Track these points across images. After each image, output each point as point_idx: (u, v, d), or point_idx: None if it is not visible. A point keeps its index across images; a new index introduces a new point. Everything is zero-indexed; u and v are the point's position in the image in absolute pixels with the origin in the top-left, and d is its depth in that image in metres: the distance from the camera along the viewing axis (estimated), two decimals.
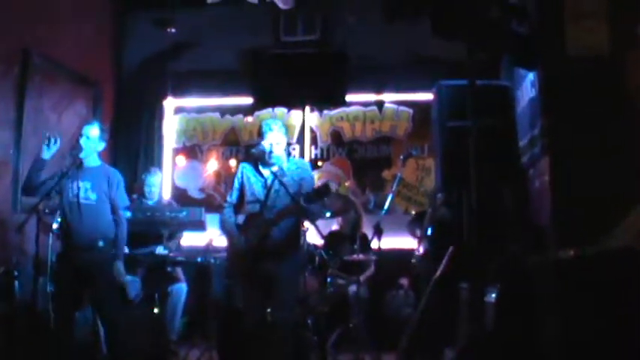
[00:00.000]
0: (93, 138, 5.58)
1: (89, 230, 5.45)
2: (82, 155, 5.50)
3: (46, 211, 5.45)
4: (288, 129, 5.33)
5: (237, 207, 5.32)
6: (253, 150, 5.23)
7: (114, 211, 5.60)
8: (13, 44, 6.71)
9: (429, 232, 6.25)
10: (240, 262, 5.09)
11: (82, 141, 5.54)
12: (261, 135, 5.21)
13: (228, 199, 5.37)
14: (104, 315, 5.52)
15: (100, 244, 5.46)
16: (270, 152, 5.12)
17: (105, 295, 5.50)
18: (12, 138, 6.72)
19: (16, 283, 5.93)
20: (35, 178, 5.42)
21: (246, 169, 5.32)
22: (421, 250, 6.43)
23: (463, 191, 4.99)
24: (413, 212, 8.32)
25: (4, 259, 6.23)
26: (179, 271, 6.98)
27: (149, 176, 7.20)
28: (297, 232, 5.42)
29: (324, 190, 4.98)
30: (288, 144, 8.54)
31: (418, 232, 6.75)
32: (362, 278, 6.51)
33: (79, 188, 5.45)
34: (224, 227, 5.31)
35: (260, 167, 5.23)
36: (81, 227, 5.43)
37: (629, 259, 3.33)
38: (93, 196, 5.51)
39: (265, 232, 5.04)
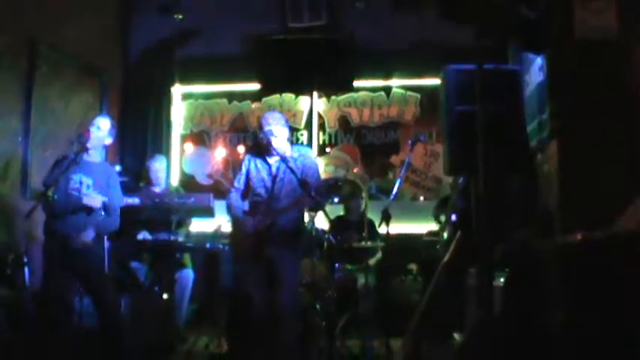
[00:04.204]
0: (103, 129, 5.57)
1: (79, 223, 5.41)
2: (88, 144, 5.49)
3: (55, 197, 5.45)
4: (293, 117, 5.26)
5: (244, 193, 5.37)
6: (261, 136, 5.24)
7: (107, 207, 5.58)
8: (19, 34, 6.72)
9: (452, 218, 6.24)
10: (245, 245, 5.11)
11: (92, 130, 5.53)
12: (260, 128, 5.25)
13: (235, 184, 5.41)
14: (100, 302, 5.44)
15: (93, 235, 5.46)
16: (270, 143, 5.14)
17: (96, 282, 5.43)
18: (20, 127, 6.76)
19: (26, 269, 5.97)
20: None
21: (253, 156, 5.37)
22: (445, 235, 6.43)
23: (471, 176, 4.98)
24: (422, 198, 8.34)
25: (13, 245, 6.27)
26: (186, 257, 7.00)
27: (153, 162, 7.22)
28: (301, 219, 5.48)
29: (334, 187, 5.04)
30: (296, 129, 8.57)
31: (442, 218, 6.75)
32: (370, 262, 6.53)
33: (81, 183, 5.44)
34: (230, 211, 5.34)
35: (266, 155, 5.27)
36: (77, 220, 5.41)
37: (636, 243, 3.32)
38: (94, 193, 5.49)
39: (274, 219, 5.08)
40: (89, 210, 5.40)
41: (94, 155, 5.59)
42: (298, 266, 5.38)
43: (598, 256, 3.40)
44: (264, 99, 8.83)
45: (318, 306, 5.95)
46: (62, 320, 5.33)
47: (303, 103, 8.81)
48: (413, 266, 7.35)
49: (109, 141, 5.67)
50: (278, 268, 5.05)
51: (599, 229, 3.64)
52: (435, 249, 6.52)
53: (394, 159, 8.49)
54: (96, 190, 5.47)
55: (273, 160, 5.25)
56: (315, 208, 5.32)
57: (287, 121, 5.40)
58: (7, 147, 6.53)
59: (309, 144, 8.55)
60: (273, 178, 5.21)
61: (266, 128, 5.18)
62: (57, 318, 5.28)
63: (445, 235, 6.40)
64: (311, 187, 4.99)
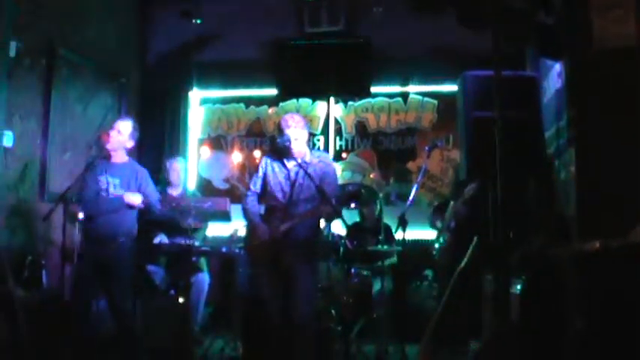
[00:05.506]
0: (124, 133, 5.59)
1: (112, 225, 5.45)
2: (108, 146, 5.52)
3: (73, 200, 5.48)
4: (310, 122, 5.27)
5: (261, 197, 5.28)
6: (279, 140, 5.18)
7: (147, 207, 5.62)
8: (39, 36, 6.75)
9: (452, 224, 6.24)
10: (261, 252, 5.08)
11: (112, 134, 5.55)
12: (280, 130, 5.15)
13: (252, 187, 5.29)
14: (116, 307, 5.46)
15: (121, 239, 5.48)
16: (290, 147, 5.07)
17: (118, 288, 5.46)
18: (39, 129, 6.78)
19: (44, 271, 6.00)
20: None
21: (271, 159, 5.26)
22: (441, 241, 6.44)
23: (488, 182, 4.97)
24: (436, 203, 8.33)
25: (31, 247, 6.30)
26: (202, 261, 7.01)
27: (172, 161, 7.20)
28: (318, 227, 5.40)
29: (355, 194, 4.99)
30: (313, 135, 8.56)
31: (439, 224, 6.73)
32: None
33: (107, 183, 5.48)
34: (246, 215, 5.25)
35: (284, 159, 5.19)
36: (105, 222, 5.44)
37: None
38: (121, 192, 5.52)
39: (292, 226, 5.02)
40: (122, 210, 5.45)
41: (118, 156, 5.61)
42: (315, 275, 5.28)
43: (615, 264, 3.39)
44: (281, 104, 8.84)
45: (333, 311, 5.95)
46: (80, 322, 5.36)
47: (320, 108, 8.82)
48: (429, 272, 7.35)
49: (130, 144, 5.68)
50: (295, 277, 4.96)
51: (617, 237, 3.63)
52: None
53: (411, 165, 8.48)
54: (123, 189, 5.51)
55: (291, 165, 5.14)
56: (332, 217, 5.24)
57: (307, 124, 5.29)
58: (26, 149, 6.56)
59: (326, 149, 8.55)
60: (292, 182, 5.10)
61: (286, 131, 5.08)
62: (76, 320, 5.31)
63: (442, 240, 6.41)
64: (329, 195, 4.93)
